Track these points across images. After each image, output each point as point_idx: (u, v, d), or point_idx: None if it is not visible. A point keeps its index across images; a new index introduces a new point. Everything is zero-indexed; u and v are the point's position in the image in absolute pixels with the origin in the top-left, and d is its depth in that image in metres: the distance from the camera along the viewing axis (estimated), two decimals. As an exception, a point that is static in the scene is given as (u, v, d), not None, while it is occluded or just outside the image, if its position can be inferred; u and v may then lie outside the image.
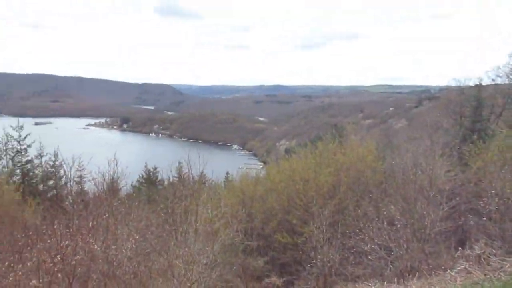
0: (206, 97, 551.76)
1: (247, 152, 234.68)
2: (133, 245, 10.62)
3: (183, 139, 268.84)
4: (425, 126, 23.58)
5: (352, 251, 15.58)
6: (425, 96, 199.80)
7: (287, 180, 24.22)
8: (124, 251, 9.95)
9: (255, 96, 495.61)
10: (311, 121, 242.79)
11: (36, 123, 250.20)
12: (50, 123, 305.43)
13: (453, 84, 38.53)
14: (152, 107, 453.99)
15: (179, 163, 44.88)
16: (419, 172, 17.27)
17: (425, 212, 14.53)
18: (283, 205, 23.53)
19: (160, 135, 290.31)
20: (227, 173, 49.36)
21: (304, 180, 22.86)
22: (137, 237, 10.91)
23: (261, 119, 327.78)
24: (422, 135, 24.46)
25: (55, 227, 9.17)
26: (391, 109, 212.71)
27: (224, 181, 44.36)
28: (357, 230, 15.50)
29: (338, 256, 15.90)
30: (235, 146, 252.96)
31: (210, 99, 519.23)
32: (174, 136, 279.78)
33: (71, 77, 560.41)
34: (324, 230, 16.32)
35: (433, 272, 10.97)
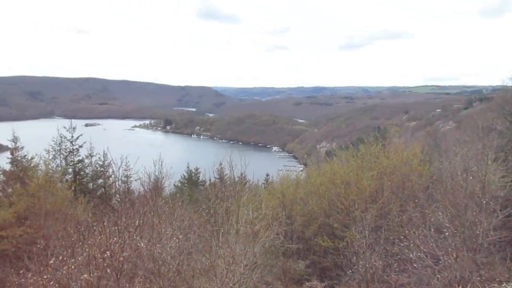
0: (246, 99, 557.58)
1: (286, 154, 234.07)
2: (177, 244, 10.88)
3: (223, 140, 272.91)
4: (476, 129, 22.22)
5: (396, 258, 15.03)
6: (476, 97, 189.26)
7: (328, 183, 23.85)
8: (168, 249, 10.21)
9: (295, 98, 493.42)
10: (353, 123, 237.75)
11: (86, 125, 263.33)
12: (98, 124, 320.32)
13: (509, 83, 36.06)
14: (194, 109, 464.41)
15: (220, 164, 45.60)
16: (470, 177, 16.35)
17: (476, 220, 13.74)
18: (324, 209, 23.19)
19: (201, 136, 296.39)
20: (267, 175, 49.44)
21: (346, 183, 22.41)
22: (180, 237, 11.17)
23: (301, 121, 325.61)
24: (473, 138, 23.13)
25: (104, 224, 9.58)
26: (438, 110, 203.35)
27: (264, 183, 44.45)
28: (402, 237, 14.94)
29: (381, 262, 15.40)
30: (274, 148, 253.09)
31: (250, 101, 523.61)
32: (215, 138, 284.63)
33: (118, 81, 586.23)
34: (367, 235, 15.87)
35: (486, 285, 10.33)
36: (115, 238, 10.12)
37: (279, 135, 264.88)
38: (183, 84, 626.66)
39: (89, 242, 9.17)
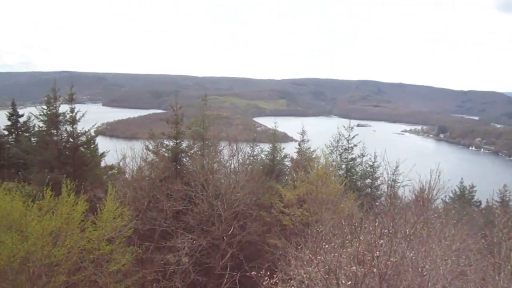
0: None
1: None
2: (448, 265, 9.86)
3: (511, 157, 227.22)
4: None
5: None
6: None
7: None
8: (441, 270, 9.40)
9: None
10: None
11: (358, 125, 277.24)
12: (369, 125, 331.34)
13: None
14: (476, 117, 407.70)
15: (504, 186, 38.25)
16: None
17: None
18: None
19: (481, 150, 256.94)
20: None
21: None
22: (453, 258, 10.07)
23: None
24: None
25: (375, 224, 9.79)
26: None
27: None
28: None
29: None
30: None
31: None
32: (500, 153, 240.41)
33: (393, 83, 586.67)
34: None
35: None
36: (382, 241, 10.21)
37: None
38: (466, 89, 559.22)
39: (361, 237, 9.59)
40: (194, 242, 20.37)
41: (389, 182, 25.46)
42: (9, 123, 50.68)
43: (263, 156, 29.41)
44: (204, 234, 21.74)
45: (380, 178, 28.93)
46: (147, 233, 22.00)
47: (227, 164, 25.31)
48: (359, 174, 30.40)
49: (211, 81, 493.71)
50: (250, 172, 25.03)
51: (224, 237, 21.89)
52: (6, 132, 50.50)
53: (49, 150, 26.76)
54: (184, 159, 25.92)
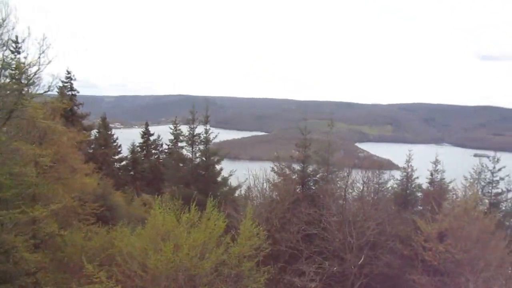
0: None
1: None
2: None
3: None
4: None
5: None
6: None
7: None
8: None
9: None
10: None
11: (475, 155, 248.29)
12: (487, 156, 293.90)
13: None
14: None
15: None
16: None
17: None
18: None
19: None
20: None
21: None
22: None
23: None
24: None
25: None
26: None
27: None
28: None
29: None
30: None
31: None
32: None
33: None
34: None
35: None
36: None
37: None
38: None
39: None
40: (330, 268, 19.99)
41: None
42: (141, 140, 56.94)
43: (393, 184, 27.77)
44: (333, 260, 21.23)
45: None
46: (276, 253, 22.26)
47: (355, 191, 24.61)
48: (505, 211, 26.67)
49: (312, 105, 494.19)
50: (381, 200, 23.93)
51: (353, 266, 21.07)
52: (139, 149, 56.80)
53: (187, 167, 29.23)
54: (311, 183, 25.91)
